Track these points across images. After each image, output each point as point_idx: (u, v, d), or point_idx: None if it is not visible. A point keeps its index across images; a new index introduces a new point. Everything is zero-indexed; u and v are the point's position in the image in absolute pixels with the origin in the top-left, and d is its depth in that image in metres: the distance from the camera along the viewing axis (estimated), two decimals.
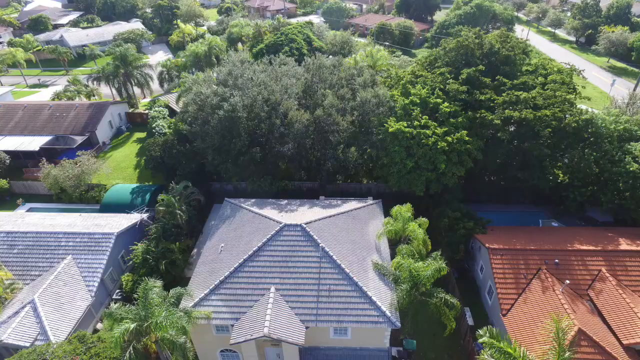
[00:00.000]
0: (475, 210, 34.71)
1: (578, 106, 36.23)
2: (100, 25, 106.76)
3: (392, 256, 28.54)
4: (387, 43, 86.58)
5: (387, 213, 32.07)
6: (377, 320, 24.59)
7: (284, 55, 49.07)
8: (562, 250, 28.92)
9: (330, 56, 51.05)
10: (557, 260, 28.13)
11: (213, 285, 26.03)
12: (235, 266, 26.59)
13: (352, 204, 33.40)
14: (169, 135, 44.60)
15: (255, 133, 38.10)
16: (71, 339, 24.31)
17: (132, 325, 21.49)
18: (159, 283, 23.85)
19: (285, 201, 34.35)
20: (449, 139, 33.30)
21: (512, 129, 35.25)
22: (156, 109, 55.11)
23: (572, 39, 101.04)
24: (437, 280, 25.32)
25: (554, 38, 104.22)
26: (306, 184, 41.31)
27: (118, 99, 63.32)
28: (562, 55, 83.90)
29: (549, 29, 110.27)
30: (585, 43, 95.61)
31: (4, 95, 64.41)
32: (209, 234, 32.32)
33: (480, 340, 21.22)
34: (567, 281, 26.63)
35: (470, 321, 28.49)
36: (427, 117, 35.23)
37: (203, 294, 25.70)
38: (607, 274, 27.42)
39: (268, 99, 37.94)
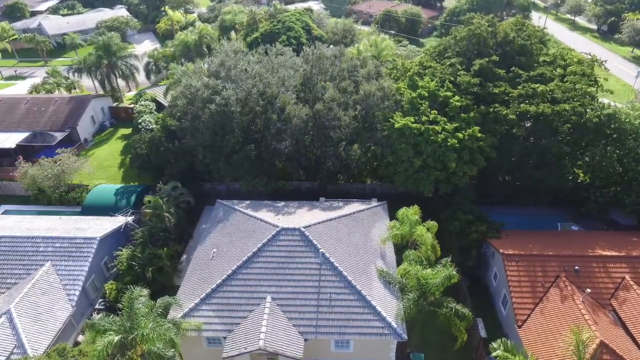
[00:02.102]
0: (488, 213, 34.71)
1: (600, 100, 36.24)
2: (82, 12, 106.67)
3: (398, 262, 28.57)
4: (393, 32, 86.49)
5: (392, 216, 32.07)
6: (382, 332, 24.62)
7: (280, 45, 49.07)
8: (582, 256, 28.92)
9: (331, 46, 51.03)
10: (577, 267, 28.13)
11: (204, 294, 26.05)
12: (228, 273, 26.61)
13: (355, 206, 33.42)
14: (156, 131, 44.54)
15: (249, 129, 38.10)
16: (50, 352, 24.27)
17: (117, 338, 21.48)
18: (145, 292, 23.84)
19: (283, 203, 34.38)
20: (460, 135, 33.31)
21: (528, 125, 35.21)
22: (142, 103, 55.02)
23: (594, 27, 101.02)
24: (447, 289, 25.32)
25: (574, 26, 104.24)
26: (305, 184, 41.32)
27: (101, 92, 63.22)
28: (582, 45, 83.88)
29: (568, 16, 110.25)
30: (608, 31, 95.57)
31: None
32: (200, 239, 32.36)
33: (494, 354, 21.24)
34: (588, 290, 26.58)
35: (483, 333, 28.49)
36: (436, 111, 35.25)
37: (193, 304, 25.73)
38: (632, 282, 27.39)
39: (264, 92, 37.95)
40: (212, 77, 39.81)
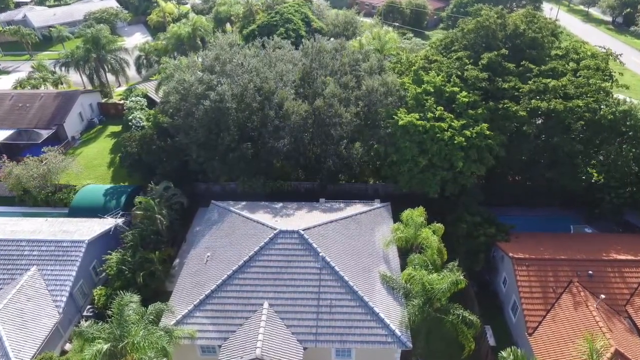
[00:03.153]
0: (497, 214, 34.69)
1: (615, 95, 36.21)
2: (69, 3, 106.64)
3: (403, 267, 28.55)
4: (397, 24, 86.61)
5: (396, 217, 32.03)
6: (385, 340, 24.62)
7: (278, 38, 49.09)
8: (596, 260, 28.92)
9: (332, 39, 51.08)
10: (590, 272, 28.11)
11: (198, 300, 26.05)
12: (223, 278, 26.60)
13: (357, 208, 33.42)
14: (147, 128, 44.61)
15: (246, 126, 38.11)
16: None
17: (106, 346, 21.48)
18: (136, 298, 23.87)
19: (281, 204, 34.39)
20: (468, 133, 33.31)
21: (540, 122, 35.21)
22: (133, 99, 55.09)
23: (608, 18, 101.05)
24: (453, 295, 25.27)
25: (587, 18, 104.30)
26: (304, 185, 41.32)
27: (89, 87, 63.30)
28: (596, 38, 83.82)
29: (582, 7, 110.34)
30: (623, 23, 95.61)
31: None
32: (194, 242, 32.38)
33: None
34: (602, 295, 26.61)
35: (491, 341, 28.50)
36: (442, 108, 35.25)
37: (186, 310, 25.72)
38: None
39: (261, 88, 37.96)
40: (207, 72, 39.81)
